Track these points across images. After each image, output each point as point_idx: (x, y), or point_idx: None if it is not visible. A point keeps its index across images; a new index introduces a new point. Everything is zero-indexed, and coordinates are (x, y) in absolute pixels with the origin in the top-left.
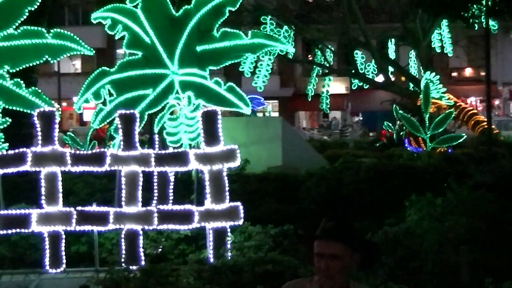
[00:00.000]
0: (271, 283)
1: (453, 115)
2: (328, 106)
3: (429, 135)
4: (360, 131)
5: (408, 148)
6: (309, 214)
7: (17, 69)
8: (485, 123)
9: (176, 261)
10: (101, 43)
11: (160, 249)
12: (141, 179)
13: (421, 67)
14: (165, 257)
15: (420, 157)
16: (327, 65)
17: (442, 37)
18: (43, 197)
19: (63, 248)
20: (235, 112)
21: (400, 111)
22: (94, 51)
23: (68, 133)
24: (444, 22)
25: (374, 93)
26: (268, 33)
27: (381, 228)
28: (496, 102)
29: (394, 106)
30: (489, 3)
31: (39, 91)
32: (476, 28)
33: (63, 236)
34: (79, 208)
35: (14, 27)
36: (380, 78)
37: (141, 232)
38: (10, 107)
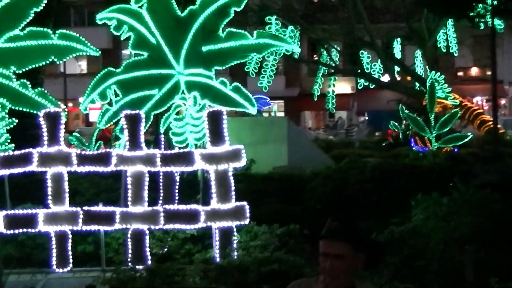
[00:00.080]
0: (276, 283)
1: (459, 114)
2: (334, 106)
3: (434, 134)
4: (366, 131)
5: (414, 148)
6: (314, 213)
7: (23, 70)
8: (491, 122)
9: (182, 261)
10: (107, 43)
11: (166, 249)
12: (147, 179)
13: (427, 67)
14: (171, 257)
15: (426, 156)
16: (333, 65)
17: (448, 37)
18: (49, 197)
19: (69, 248)
20: (241, 112)
21: (406, 111)
22: (100, 52)
23: (74, 133)
24: (450, 22)
25: (380, 92)
26: (274, 33)
27: (387, 227)
28: (502, 101)
29: (400, 105)
30: (495, 2)
31: (45, 91)
32: (481, 28)
33: (70, 236)
34: (85, 208)
35: (20, 28)
36: (386, 78)
37: (147, 232)
38: (17, 108)
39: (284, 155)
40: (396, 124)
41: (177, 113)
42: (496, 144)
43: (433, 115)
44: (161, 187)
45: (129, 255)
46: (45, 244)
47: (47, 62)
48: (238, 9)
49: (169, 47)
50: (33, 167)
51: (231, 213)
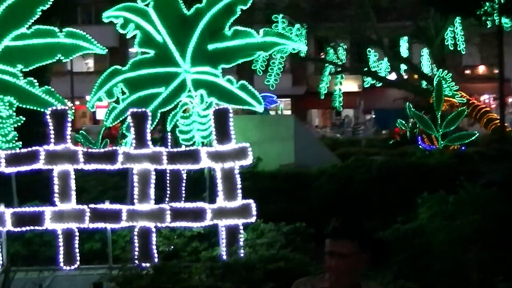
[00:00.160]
0: (282, 281)
1: (466, 112)
2: (341, 104)
3: (441, 133)
4: (372, 129)
5: (421, 146)
6: (320, 212)
7: (30, 68)
8: (497, 120)
9: (188, 259)
10: (113, 42)
11: (172, 247)
12: (153, 177)
13: (434, 65)
14: (178, 255)
15: (433, 154)
16: (340, 63)
17: (455, 35)
18: (56, 195)
19: (76, 245)
20: (248, 110)
21: (413, 109)
22: (106, 50)
23: (80, 131)
24: (457, 20)
25: (387, 91)
26: (280, 31)
27: (392, 226)
28: (510, 99)
29: (407, 104)
30: (502, 0)
31: (52, 89)
32: (489, 26)
33: (77, 234)
34: (92, 205)
35: (26, 26)
36: (392, 76)
37: (154, 230)
38: (24, 106)
39: (290, 153)
40: (404, 122)
41: (184, 111)
42: (502, 142)
43: (440, 113)
44: (167, 185)
45: (136, 253)
46: (52, 242)
47: (54, 60)
48: (244, 7)
49: (176, 45)
50: (40, 165)
51: (237, 211)
